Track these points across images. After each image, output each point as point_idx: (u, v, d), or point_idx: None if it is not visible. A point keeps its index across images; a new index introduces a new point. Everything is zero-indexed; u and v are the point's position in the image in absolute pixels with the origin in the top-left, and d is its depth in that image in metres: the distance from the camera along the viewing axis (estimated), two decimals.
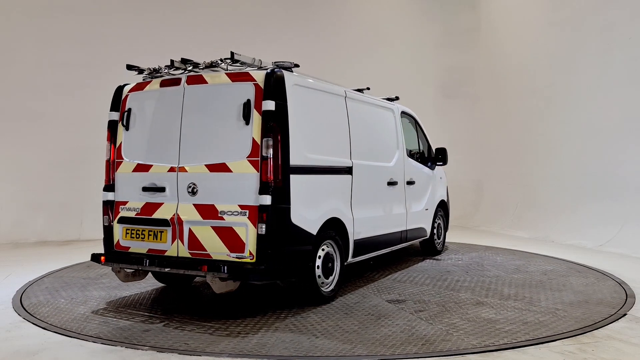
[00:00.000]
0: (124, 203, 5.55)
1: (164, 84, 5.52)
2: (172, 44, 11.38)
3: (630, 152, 9.44)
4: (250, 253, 4.88)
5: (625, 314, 5.26)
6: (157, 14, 11.54)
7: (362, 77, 11.83)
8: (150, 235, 5.33)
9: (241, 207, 4.94)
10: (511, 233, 11.41)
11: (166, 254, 5.23)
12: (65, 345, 4.40)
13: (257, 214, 4.86)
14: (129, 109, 5.64)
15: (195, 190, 5.16)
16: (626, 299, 5.81)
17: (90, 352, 4.23)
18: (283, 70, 5.17)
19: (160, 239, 5.27)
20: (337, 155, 5.86)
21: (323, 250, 5.55)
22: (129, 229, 5.47)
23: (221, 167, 5.05)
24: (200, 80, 5.31)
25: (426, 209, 8.10)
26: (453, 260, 8.22)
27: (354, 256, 6.10)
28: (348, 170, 5.99)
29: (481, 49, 13.68)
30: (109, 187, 5.67)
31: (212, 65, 5.35)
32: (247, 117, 4.97)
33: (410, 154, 7.79)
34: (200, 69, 5.43)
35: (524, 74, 12.18)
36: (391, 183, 6.99)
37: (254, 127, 4.94)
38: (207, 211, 5.07)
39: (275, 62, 5.35)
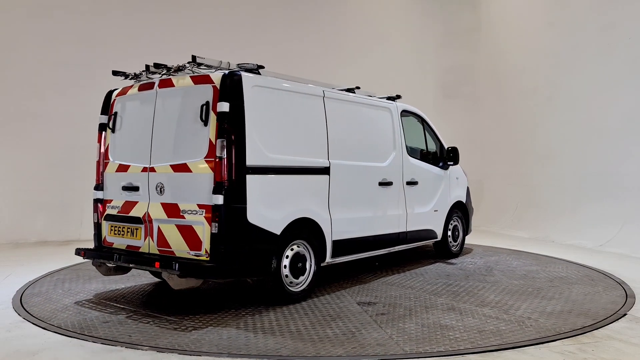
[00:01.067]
0: (110, 201, 5.92)
1: (141, 88, 5.82)
2: (173, 43, 11.37)
3: (630, 152, 9.44)
4: (206, 251, 5.03)
5: (625, 314, 5.26)
6: (157, 13, 11.53)
7: (363, 77, 11.83)
8: (128, 232, 5.64)
9: (199, 206, 5.10)
10: (511, 233, 11.41)
11: (140, 250, 5.53)
12: (66, 345, 4.41)
13: (212, 213, 5.00)
14: (115, 113, 6.00)
15: (162, 189, 5.41)
16: (626, 299, 5.81)
17: (91, 352, 4.23)
18: (242, 72, 5.28)
19: (136, 236, 5.56)
20: (310, 155, 5.86)
21: (292, 250, 5.62)
22: (112, 226, 5.82)
23: (183, 168, 5.26)
24: (169, 83, 5.56)
25: (435, 210, 7.87)
26: (465, 263, 7.95)
27: (334, 257, 6.10)
28: (324, 171, 5.98)
29: (481, 49, 13.68)
30: (98, 186, 6.04)
31: (179, 69, 5.55)
32: (205, 119, 5.13)
33: (416, 154, 7.67)
34: (170, 73, 5.63)
35: (524, 74, 12.19)
36: (384, 183, 6.87)
37: (210, 128, 5.09)
38: (172, 210, 5.30)
39: (238, 64, 5.50)
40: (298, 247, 5.69)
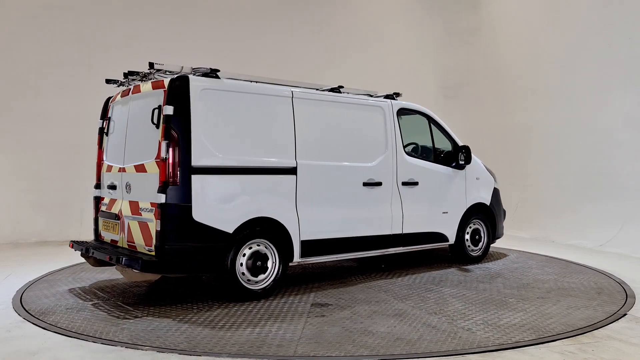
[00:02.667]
0: (102, 199, 6.47)
1: (122, 94, 6.33)
2: (173, 43, 11.38)
3: (631, 152, 9.45)
4: (155, 247, 5.31)
5: (625, 314, 5.27)
6: (157, 13, 11.53)
7: (363, 77, 11.85)
8: (111, 227, 6.14)
9: (151, 204, 5.41)
10: (511, 233, 11.39)
11: (118, 244, 6.00)
12: (66, 345, 4.41)
13: (157, 211, 5.30)
14: (109, 117, 6.55)
15: (130, 188, 5.87)
16: (626, 299, 5.81)
17: (91, 352, 4.23)
18: (190, 76, 5.50)
19: (115, 231, 6.04)
20: (272, 155, 5.93)
21: (250, 248, 5.72)
22: (103, 222, 6.35)
23: (141, 168, 5.67)
24: (137, 89, 6.01)
25: (445, 212, 7.54)
26: (479, 269, 7.50)
27: (305, 256, 6.11)
28: (291, 171, 6.02)
29: (481, 49, 13.67)
30: (97, 185, 6.59)
31: (145, 76, 5.95)
32: (157, 122, 5.43)
33: (419, 153, 7.52)
34: (141, 79, 6.02)
35: (524, 74, 12.19)
36: (371, 184, 6.70)
37: (160, 130, 5.37)
38: (135, 207, 5.71)
39: (193, 68, 5.74)
40: (258, 245, 5.79)
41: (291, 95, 6.20)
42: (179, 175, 5.25)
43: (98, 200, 6.51)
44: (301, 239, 6.06)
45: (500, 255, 8.67)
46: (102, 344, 4.40)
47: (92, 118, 9.70)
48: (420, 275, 7.11)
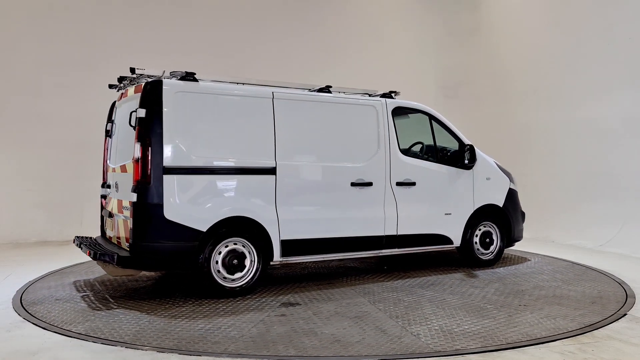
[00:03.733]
0: (106, 197, 6.75)
1: (119, 98, 6.67)
2: (173, 44, 11.38)
3: (630, 152, 9.45)
4: (129, 244, 5.59)
5: (625, 314, 5.27)
6: (158, 13, 11.53)
7: (362, 77, 11.84)
8: (109, 224, 6.48)
9: (130, 203, 5.62)
10: None
11: (113, 239, 6.32)
12: (65, 345, 4.41)
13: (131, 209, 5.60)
14: (112, 120, 6.83)
15: (118, 187, 6.22)
16: (626, 299, 5.82)
17: (90, 352, 4.24)
18: (163, 80, 5.71)
19: (112, 228, 6.34)
20: (250, 156, 6.01)
21: (227, 247, 5.83)
22: (106, 219, 6.64)
23: (124, 168, 6.01)
24: (125, 94, 6.34)
25: (447, 214, 7.29)
26: (482, 273, 7.21)
27: (285, 256, 6.15)
28: (270, 171, 6.07)
29: (481, 49, 13.67)
30: (104, 184, 6.83)
31: (132, 80, 6.15)
32: (134, 124, 5.64)
33: (417, 152, 7.40)
34: (128, 83, 6.27)
35: (524, 74, 12.19)
36: (359, 184, 6.62)
37: (136, 133, 5.61)
38: (119, 206, 6.03)
39: (171, 72, 5.92)
40: (235, 244, 5.89)
41: (272, 96, 6.23)
42: (151, 175, 5.45)
43: (104, 198, 6.82)
44: (281, 238, 6.09)
45: (520, 259, 8.23)
46: (102, 344, 4.41)
47: (93, 118, 9.73)
48: (416, 278, 6.93)
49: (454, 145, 7.54)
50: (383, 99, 7.06)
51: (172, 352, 4.20)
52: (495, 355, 4.15)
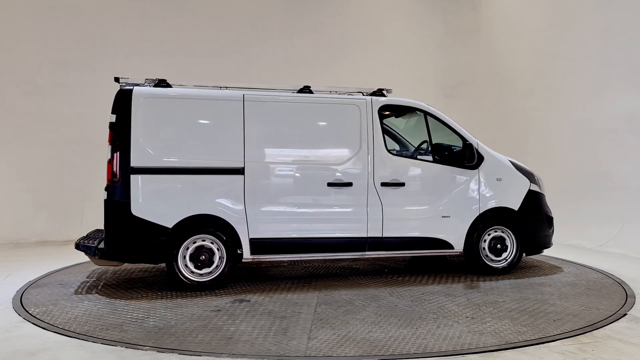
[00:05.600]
0: None
1: None
2: (173, 44, 11.38)
3: (630, 152, 9.44)
4: (104, 238, 6.06)
5: (625, 314, 5.27)
6: (159, 13, 11.53)
7: (362, 77, 11.84)
8: None
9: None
10: None
11: None
12: (65, 345, 4.41)
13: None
14: None
15: None
16: (626, 299, 5.81)
17: (90, 352, 4.23)
18: (134, 87, 6.10)
19: None
20: (218, 156, 6.20)
21: (195, 243, 6.12)
22: None
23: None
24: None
25: (445, 217, 6.84)
26: (484, 282, 6.64)
27: (255, 254, 6.26)
28: (238, 171, 6.21)
29: (481, 49, 13.68)
30: None
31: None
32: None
33: (409, 151, 7.21)
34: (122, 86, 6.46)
35: (523, 74, 12.19)
36: (337, 184, 6.48)
37: (108, 136, 6.03)
38: None
39: (146, 79, 6.33)
40: (203, 241, 6.15)
41: (242, 99, 6.35)
42: (119, 175, 5.89)
43: None
44: (250, 237, 6.21)
45: (551, 269, 7.46)
46: (102, 344, 4.40)
47: (93, 118, 9.74)
48: (405, 284, 6.53)
49: (459, 144, 7.07)
50: (368, 97, 6.82)
51: (172, 352, 4.20)
52: (496, 355, 4.15)
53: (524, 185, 7.26)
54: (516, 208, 7.09)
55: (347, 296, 5.99)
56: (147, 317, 5.15)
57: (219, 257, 6.18)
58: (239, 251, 6.22)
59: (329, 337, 4.58)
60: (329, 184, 6.50)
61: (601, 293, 6.11)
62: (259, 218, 6.24)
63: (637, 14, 9.41)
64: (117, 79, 6.25)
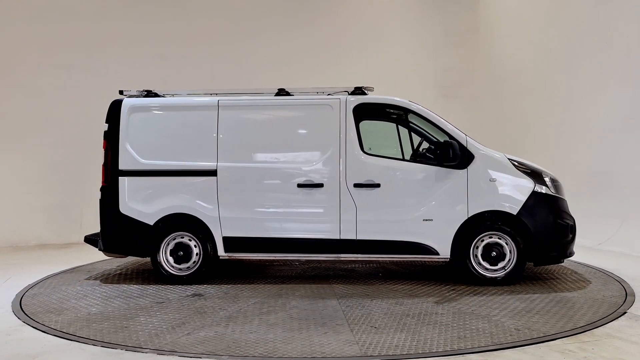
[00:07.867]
0: None
1: None
2: (170, 46, 11.38)
3: (630, 151, 9.45)
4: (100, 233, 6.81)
5: (625, 312, 5.27)
6: (158, 16, 11.53)
7: (361, 77, 11.81)
8: None
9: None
10: None
11: None
12: (65, 348, 4.41)
13: None
14: None
15: None
16: (626, 297, 5.81)
17: (91, 355, 4.23)
18: (124, 99, 6.83)
19: None
20: (194, 159, 6.67)
21: (175, 239, 6.67)
22: None
23: None
24: None
25: (427, 220, 6.38)
26: (471, 290, 6.09)
27: (229, 252, 6.62)
28: (212, 173, 6.62)
29: (480, 49, 13.68)
30: None
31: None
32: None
33: (387, 151, 6.82)
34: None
35: (522, 74, 12.19)
36: (307, 185, 6.47)
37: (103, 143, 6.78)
38: None
39: (137, 90, 6.97)
40: (182, 238, 6.68)
41: (217, 105, 6.75)
42: (109, 178, 6.65)
43: None
44: (223, 235, 6.59)
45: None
46: (102, 346, 4.40)
47: (93, 121, 9.72)
48: (390, 290, 6.25)
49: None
50: (343, 97, 6.64)
51: (172, 354, 4.19)
52: (496, 355, 4.15)
53: (526, 187, 6.42)
54: (514, 212, 6.32)
55: (308, 306, 5.64)
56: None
57: (196, 254, 6.66)
58: (209, 248, 6.61)
59: (270, 342, 4.54)
60: (299, 185, 6.53)
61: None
62: (231, 217, 6.58)
63: (635, 13, 9.42)
64: (121, 92, 6.92)
